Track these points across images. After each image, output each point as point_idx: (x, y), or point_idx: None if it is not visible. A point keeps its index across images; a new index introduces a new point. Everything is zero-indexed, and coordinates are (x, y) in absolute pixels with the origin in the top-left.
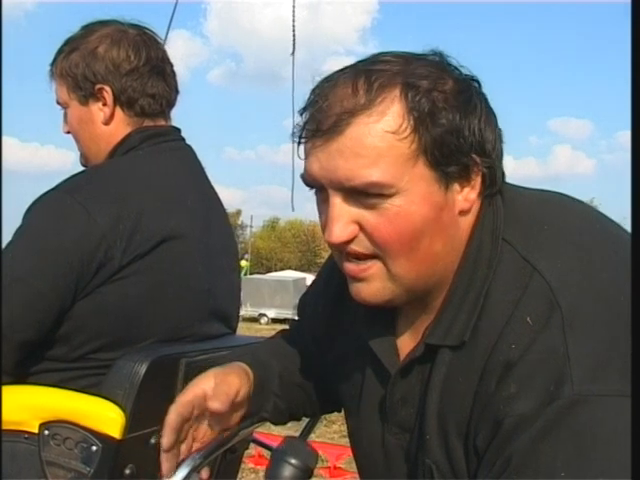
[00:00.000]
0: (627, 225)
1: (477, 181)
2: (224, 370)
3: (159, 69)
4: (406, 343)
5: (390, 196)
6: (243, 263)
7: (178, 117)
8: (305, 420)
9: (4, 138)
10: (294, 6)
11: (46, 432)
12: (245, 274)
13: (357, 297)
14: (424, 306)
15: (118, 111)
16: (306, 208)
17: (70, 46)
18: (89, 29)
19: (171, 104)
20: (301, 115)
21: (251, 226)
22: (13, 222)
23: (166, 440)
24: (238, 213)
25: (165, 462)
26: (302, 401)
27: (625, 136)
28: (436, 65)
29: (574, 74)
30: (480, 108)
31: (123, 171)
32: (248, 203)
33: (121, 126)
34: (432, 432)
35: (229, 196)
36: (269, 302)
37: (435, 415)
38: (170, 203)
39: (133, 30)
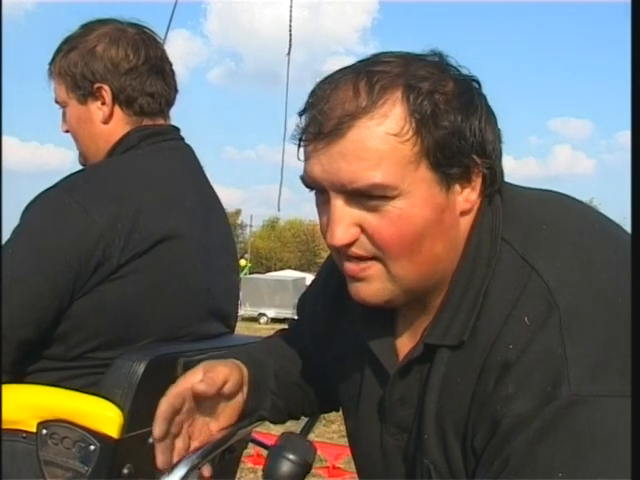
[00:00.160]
0: (627, 225)
1: (477, 182)
2: (213, 362)
3: (158, 68)
4: (405, 343)
5: (392, 198)
6: (242, 262)
7: (178, 116)
8: (304, 420)
9: (4, 138)
10: (291, 6)
11: (44, 431)
12: (246, 273)
13: (356, 297)
14: (423, 306)
15: (117, 110)
16: (305, 208)
17: (69, 45)
18: (88, 28)
19: (170, 103)
20: (301, 116)
21: (251, 226)
22: (13, 221)
23: (157, 429)
24: (238, 213)
25: (160, 455)
26: (300, 400)
27: (625, 136)
28: (437, 66)
29: (574, 74)
30: (481, 109)
31: (122, 170)
32: (248, 203)
33: (120, 125)
34: (430, 432)
35: (229, 196)
36: (269, 302)
37: (433, 415)
38: (169, 202)
39: (132, 29)
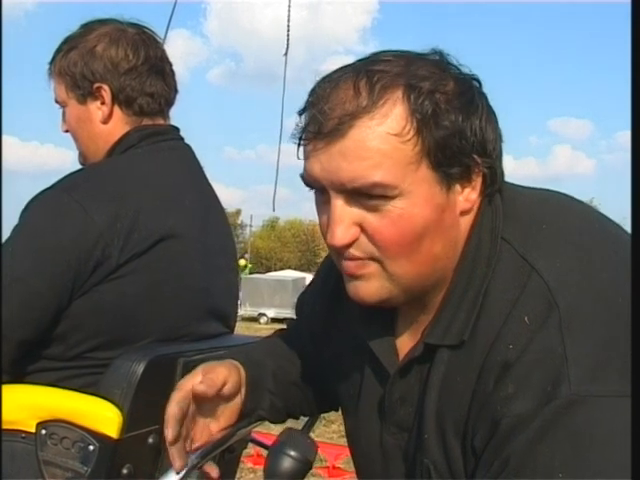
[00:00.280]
0: (627, 225)
1: (478, 181)
2: (212, 364)
3: (158, 68)
4: (405, 343)
5: (393, 198)
6: (242, 262)
7: (178, 116)
8: (304, 419)
9: (4, 138)
10: (290, 6)
11: (43, 431)
12: (247, 274)
13: (355, 296)
14: (423, 306)
15: (116, 110)
16: (305, 208)
17: (69, 45)
18: (88, 28)
19: (170, 103)
20: (301, 115)
21: (251, 225)
22: (13, 221)
23: (171, 433)
24: (238, 212)
25: (177, 458)
26: (299, 400)
27: (625, 136)
28: (437, 65)
29: (574, 74)
30: (481, 108)
31: (121, 170)
32: (248, 203)
33: (119, 125)
34: (430, 431)
35: (229, 196)
36: (268, 302)
37: (433, 414)
38: (168, 202)
39: (132, 29)
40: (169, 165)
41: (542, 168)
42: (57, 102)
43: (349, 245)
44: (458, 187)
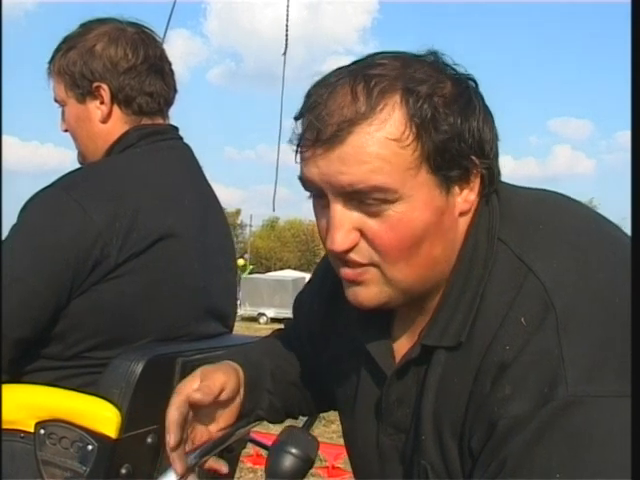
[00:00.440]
0: (627, 225)
1: (476, 182)
2: (210, 368)
3: (157, 67)
4: (402, 344)
5: (392, 202)
6: (240, 262)
7: (177, 116)
8: (302, 418)
9: (4, 137)
10: (288, 5)
11: (42, 431)
12: (248, 274)
13: (354, 301)
14: (420, 307)
15: (115, 109)
16: (305, 208)
17: (68, 44)
18: (87, 27)
19: (169, 103)
20: (297, 121)
21: (250, 225)
22: (13, 221)
23: (173, 437)
24: (237, 212)
25: (178, 462)
26: (298, 400)
27: (625, 136)
28: (433, 67)
29: (574, 74)
30: (479, 109)
31: (120, 169)
32: (248, 202)
33: (118, 124)
34: (427, 433)
35: (229, 195)
36: (268, 302)
37: (430, 416)
38: (167, 201)
39: (131, 28)
40: (168, 164)
41: (542, 168)
42: (56, 101)
43: (349, 250)
44: (457, 189)
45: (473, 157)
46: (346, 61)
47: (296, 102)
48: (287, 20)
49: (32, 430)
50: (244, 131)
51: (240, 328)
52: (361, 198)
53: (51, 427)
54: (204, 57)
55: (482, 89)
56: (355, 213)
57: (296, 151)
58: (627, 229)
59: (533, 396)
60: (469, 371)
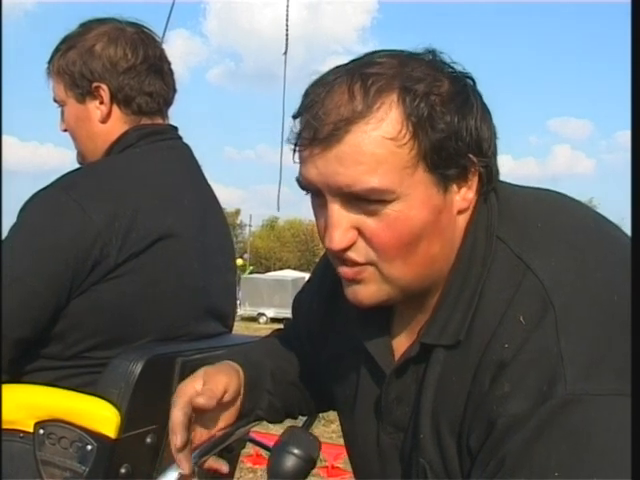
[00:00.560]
0: (626, 225)
1: (474, 180)
2: (213, 369)
3: (157, 67)
4: (401, 343)
5: (390, 201)
6: (239, 262)
7: (177, 116)
8: (302, 418)
9: (4, 138)
10: (288, 5)
11: (41, 431)
12: (248, 274)
13: (354, 300)
14: (419, 305)
15: (115, 109)
16: (305, 208)
17: (67, 44)
18: (86, 27)
19: (169, 102)
20: (295, 120)
21: (250, 225)
22: (13, 221)
23: (179, 438)
24: (237, 212)
25: (185, 461)
26: (297, 400)
27: (625, 136)
28: (431, 65)
29: (574, 74)
30: (476, 107)
31: (119, 169)
32: (247, 202)
33: (118, 124)
34: (426, 431)
35: (228, 195)
36: (268, 301)
37: (429, 414)
38: (166, 201)
39: (131, 28)
40: (168, 164)
41: (542, 168)
42: (56, 101)
43: (347, 248)
44: (455, 187)
45: (471, 155)
46: (345, 61)
47: (297, 102)
48: (287, 20)
49: (31, 430)
50: (244, 131)
51: (240, 328)
52: (359, 198)
53: (50, 427)
54: (204, 57)
55: (482, 89)
56: (353, 212)
57: (294, 150)
58: (627, 229)
59: (532, 394)
60: (468, 369)
